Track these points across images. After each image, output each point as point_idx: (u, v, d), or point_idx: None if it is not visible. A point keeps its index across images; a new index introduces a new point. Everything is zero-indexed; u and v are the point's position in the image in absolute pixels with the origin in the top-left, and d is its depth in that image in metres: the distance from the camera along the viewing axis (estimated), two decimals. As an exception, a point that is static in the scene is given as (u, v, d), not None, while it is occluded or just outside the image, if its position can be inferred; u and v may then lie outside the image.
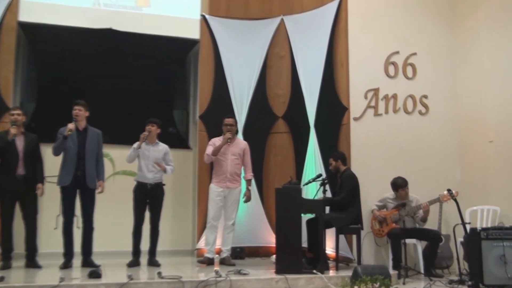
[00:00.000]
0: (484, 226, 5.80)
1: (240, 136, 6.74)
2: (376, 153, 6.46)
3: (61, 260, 5.51)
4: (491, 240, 4.99)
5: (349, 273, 5.06)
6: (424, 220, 5.87)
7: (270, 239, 6.68)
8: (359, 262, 5.68)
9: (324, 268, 5.25)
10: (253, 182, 6.50)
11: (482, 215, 6.05)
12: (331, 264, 5.81)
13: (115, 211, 6.65)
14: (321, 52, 6.72)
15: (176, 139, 7.60)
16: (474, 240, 5.05)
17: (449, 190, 5.61)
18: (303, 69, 6.99)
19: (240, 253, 6.57)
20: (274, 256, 5.66)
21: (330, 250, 6.14)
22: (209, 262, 5.88)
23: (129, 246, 5.83)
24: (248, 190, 6.21)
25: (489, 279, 4.90)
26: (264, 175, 7.05)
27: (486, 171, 6.31)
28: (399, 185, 5.99)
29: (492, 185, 6.21)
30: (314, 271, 5.16)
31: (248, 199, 6.21)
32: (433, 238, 5.78)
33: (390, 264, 5.82)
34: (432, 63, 6.81)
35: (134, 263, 5.74)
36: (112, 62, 7.08)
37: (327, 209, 5.86)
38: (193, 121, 7.79)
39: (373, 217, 6.12)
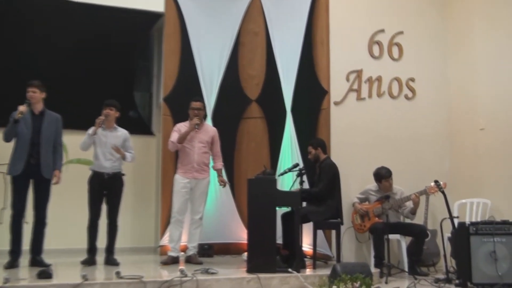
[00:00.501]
0: (473, 220, 5.91)
1: (209, 121, 6.70)
2: (358, 141, 6.51)
3: (5, 259, 5.40)
4: (480, 235, 5.07)
5: (327, 271, 5.09)
6: (413, 212, 5.93)
7: (241, 235, 6.69)
8: (338, 259, 5.73)
9: (300, 267, 5.28)
10: (223, 172, 6.48)
11: (472, 209, 6.15)
12: (308, 262, 5.83)
13: (68, 204, 6.55)
14: (300, 29, 6.71)
15: (138, 124, 7.54)
16: (463, 235, 5.13)
17: (436, 182, 5.69)
18: (279, 48, 6.96)
19: (208, 251, 6.55)
20: (245, 253, 5.65)
21: (307, 246, 6.18)
22: (173, 261, 5.84)
23: (83, 243, 5.77)
24: (220, 176, 6.18)
25: (478, 277, 4.99)
26: (235, 165, 7.04)
27: (477, 161, 6.41)
28: (382, 175, 6.05)
29: (482, 177, 6.31)
30: (289, 269, 5.17)
31: (224, 184, 6.17)
32: (418, 234, 5.86)
33: (372, 261, 5.89)
34: (420, 44, 6.87)
35: (90, 261, 5.68)
36: (64, 37, 6.93)
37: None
38: (156, 104, 7.72)
39: (354, 210, 6.17)
